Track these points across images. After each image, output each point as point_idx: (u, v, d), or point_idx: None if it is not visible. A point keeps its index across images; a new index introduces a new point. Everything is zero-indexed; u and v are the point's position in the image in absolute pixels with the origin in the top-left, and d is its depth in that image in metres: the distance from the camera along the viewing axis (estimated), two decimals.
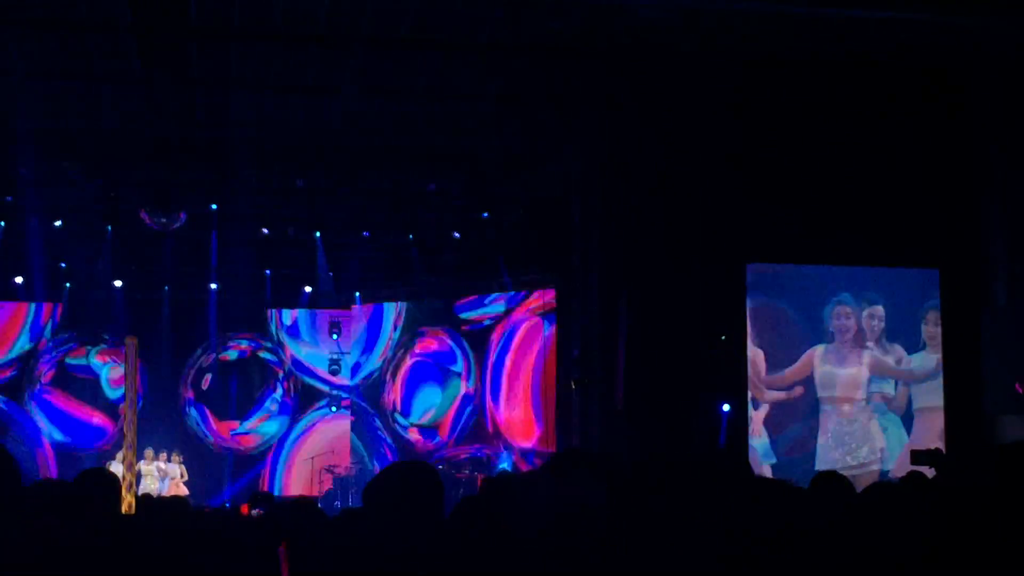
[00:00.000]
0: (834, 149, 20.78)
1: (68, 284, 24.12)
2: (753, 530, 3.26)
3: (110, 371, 23.04)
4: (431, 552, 3.74)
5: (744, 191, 20.40)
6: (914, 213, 20.62)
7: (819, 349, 19.24)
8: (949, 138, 19.48)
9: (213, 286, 23.96)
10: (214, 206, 22.37)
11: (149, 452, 21.51)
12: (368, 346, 25.17)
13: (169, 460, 21.89)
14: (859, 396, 19.03)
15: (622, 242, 20.19)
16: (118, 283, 23.80)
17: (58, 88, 19.19)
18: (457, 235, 23.58)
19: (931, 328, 19.12)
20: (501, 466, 21.96)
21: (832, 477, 6.35)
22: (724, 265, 20.18)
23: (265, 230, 23.01)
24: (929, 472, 7.94)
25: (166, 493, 20.20)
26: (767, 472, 18.08)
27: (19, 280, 23.77)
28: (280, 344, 25.56)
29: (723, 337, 19.78)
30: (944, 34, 17.59)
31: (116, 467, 20.56)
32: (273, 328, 25.61)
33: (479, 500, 5.26)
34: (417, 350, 24.36)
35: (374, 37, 17.85)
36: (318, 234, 23.61)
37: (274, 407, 25.17)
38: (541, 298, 22.60)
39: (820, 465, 18.21)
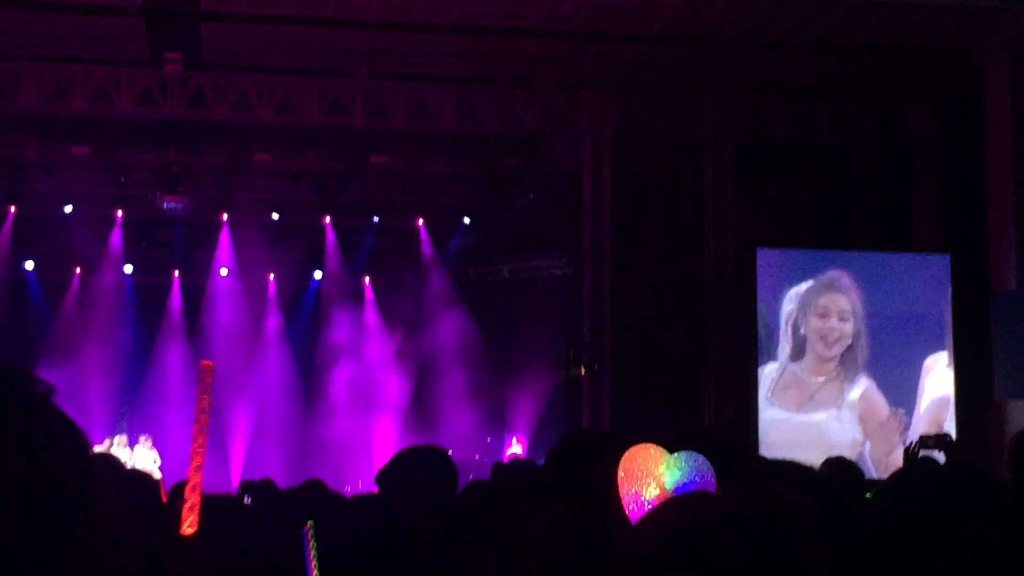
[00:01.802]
0: (843, 132, 20.76)
1: (78, 269, 24.14)
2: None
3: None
4: (445, 535, 3.74)
5: (754, 173, 20.39)
6: (925, 198, 20.61)
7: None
8: (960, 121, 19.41)
9: (223, 271, 23.96)
10: (223, 191, 22.37)
11: (123, 438, 21.34)
12: None
13: (133, 444, 21.58)
14: None
15: (633, 224, 20.18)
16: (128, 268, 23.83)
17: (68, 72, 19.19)
18: (467, 220, 23.58)
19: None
20: (511, 451, 21.97)
21: (841, 462, 6.34)
22: (734, 248, 20.19)
23: (275, 215, 23.00)
24: (940, 457, 7.90)
25: None
26: None
27: (30, 265, 23.80)
28: None
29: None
30: (956, 17, 17.53)
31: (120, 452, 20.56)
32: None
33: (488, 485, 5.26)
34: None
35: (383, 20, 17.83)
36: (328, 219, 23.62)
37: None
38: None
39: None
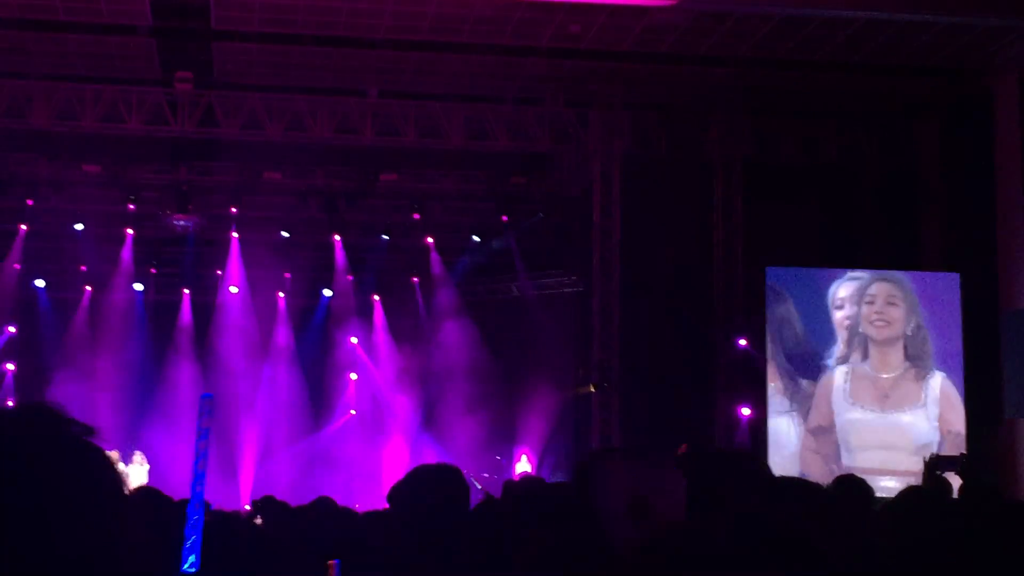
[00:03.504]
0: (851, 152, 20.78)
1: (88, 287, 24.17)
2: (774, 524, 3.26)
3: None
4: (457, 553, 3.75)
5: (762, 193, 20.40)
6: (934, 217, 20.60)
7: None
8: (968, 140, 19.42)
9: (233, 289, 23.98)
10: (233, 209, 22.43)
11: (114, 455, 21.21)
12: None
13: (127, 460, 21.49)
14: None
15: (642, 242, 20.18)
16: (138, 286, 23.86)
17: (79, 90, 19.28)
18: (477, 238, 23.59)
19: None
20: (520, 468, 21.94)
21: (851, 480, 6.34)
22: (743, 266, 20.19)
23: (285, 233, 23.03)
24: (955, 478, 7.89)
25: None
26: None
27: (40, 283, 23.83)
28: None
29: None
30: (963, 37, 17.55)
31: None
32: None
33: (499, 503, 5.26)
34: None
35: (393, 40, 17.90)
36: (337, 237, 23.64)
37: None
38: None
39: None
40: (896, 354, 18.72)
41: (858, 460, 17.84)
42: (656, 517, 3.43)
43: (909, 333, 18.72)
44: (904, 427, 18.43)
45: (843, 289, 18.81)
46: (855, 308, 18.74)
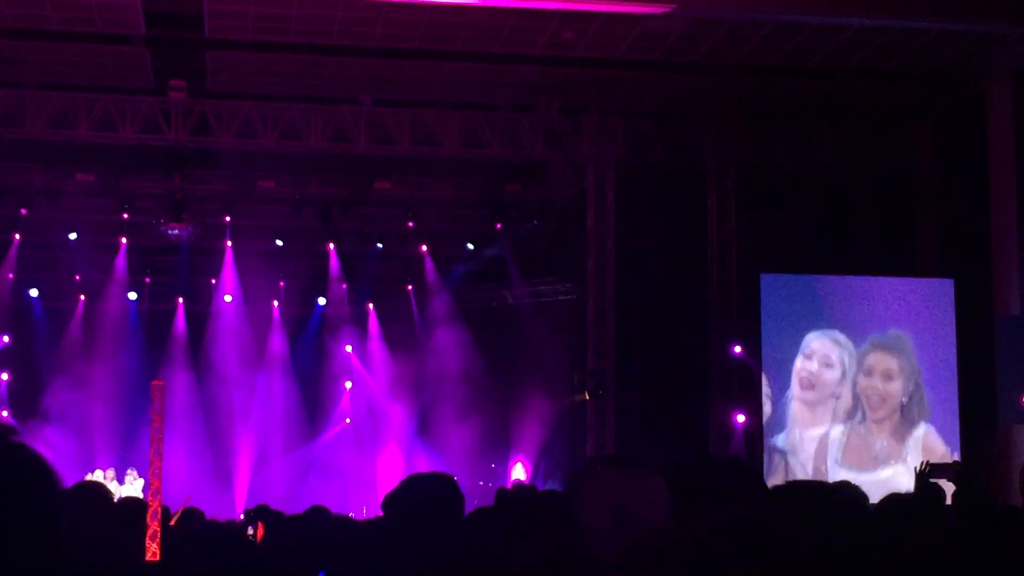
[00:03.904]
0: (846, 158, 20.79)
1: (82, 297, 24.16)
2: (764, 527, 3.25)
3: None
4: (451, 562, 3.75)
5: (756, 199, 20.41)
6: (928, 223, 20.63)
7: None
8: (962, 146, 19.45)
9: (227, 298, 23.97)
10: (227, 217, 22.44)
11: (110, 473, 21.22)
12: None
13: (122, 478, 21.45)
14: None
15: (636, 249, 20.19)
16: (133, 295, 23.85)
17: (73, 100, 19.27)
18: (471, 246, 23.60)
19: None
20: (514, 476, 21.94)
21: (847, 487, 6.33)
22: (737, 273, 20.21)
23: (279, 241, 23.02)
24: (948, 486, 7.89)
25: None
26: None
27: (34, 293, 23.82)
28: None
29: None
30: (958, 42, 17.57)
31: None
32: None
33: (493, 511, 5.26)
34: None
35: (387, 48, 17.91)
36: (331, 245, 23.65)
37: None
38: None
39: None
40: (891, 419, 18.79)
41: None
42: (638, 526, 3.43)
43: (905, 400, 18.79)
44: (885, 483, 18.43)
45: (816, 342, 18.81)
46: (854, 372, 18.78)
